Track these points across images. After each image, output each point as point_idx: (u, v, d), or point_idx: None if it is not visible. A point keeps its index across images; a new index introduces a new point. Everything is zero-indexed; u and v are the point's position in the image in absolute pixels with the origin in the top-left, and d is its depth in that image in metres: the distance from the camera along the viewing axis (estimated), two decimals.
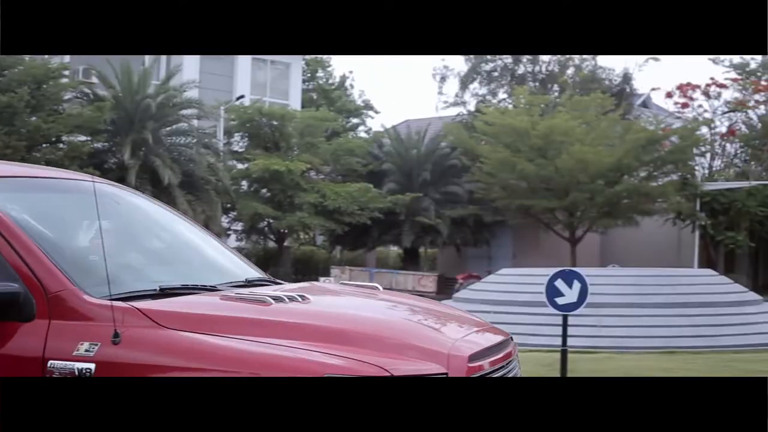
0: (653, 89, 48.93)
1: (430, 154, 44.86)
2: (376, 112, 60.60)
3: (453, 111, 49.63)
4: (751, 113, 46.25)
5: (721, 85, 44.56)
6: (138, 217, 5.51)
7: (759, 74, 47.18)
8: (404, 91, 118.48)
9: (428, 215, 42.19)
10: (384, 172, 44.52)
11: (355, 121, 60.92)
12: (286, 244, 43.87)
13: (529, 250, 44.10)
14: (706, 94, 44.22)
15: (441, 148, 45.23)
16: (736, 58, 46.85)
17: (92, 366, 3.89)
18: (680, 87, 44.01)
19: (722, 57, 46.62)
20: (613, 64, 52.56)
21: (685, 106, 44.46)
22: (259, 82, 46.88)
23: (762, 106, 46.03)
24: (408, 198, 41.43)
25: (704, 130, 43.62)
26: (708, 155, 44.56)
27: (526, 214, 40.99)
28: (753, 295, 20.94)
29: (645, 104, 50.80)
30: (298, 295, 4.50)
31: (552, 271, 12.46)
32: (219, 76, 44.02)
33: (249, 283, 5.12)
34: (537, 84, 47.54)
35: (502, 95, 48.85)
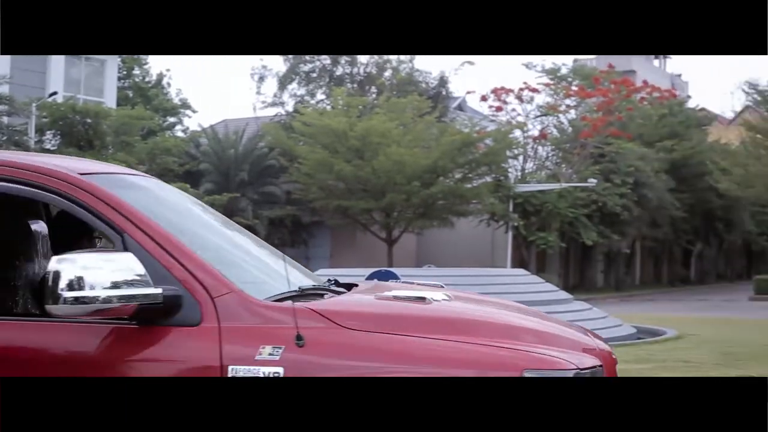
0: (469, 92, 49.99)
1: (248, 154, 44.58)
2: (194, 111, 59.90)
3: (271, 111, 49.47)
4: (562, 117, 47.70)
5: (534, 90, 45.75)
6: (203, 215, 5.20)
7: (570, 79, 48.68)
8: (222, 91, 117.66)
9: (246, 215, 41.85)
10: (201, 172, 43.98)
11: (172, 120, 59.76)
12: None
13: (346, 250, 44.28)
14: (520, 98, 45.33)
15: (259, 148, 45.00)
16: (548, 64, 48.20)
17: (280, 369, 3.74)
18: (495, 91, 44.97)
19: (535, 62, 47.91)
20: (430, 67, 53.38)
21: (499, 109, 45.47)
22: (73, 78, 45.47)
23: (572, 111, 47.51)
24: (225, 198, 40.99)
25: (517, 133, 44.66)
26: (521, 158, 45.66)
27: (343, 214, 41.13)
28: (563, 294, 21.47)
29: (461, 107, 51.67)
30: (446, 294, 4.53)
31: (368, 271, 12.41)
32: (31, 72, 42.49)
33: (338, 283, 4.99)
34: (355, 86, 47.76)
35: (320, 96, 48.90)
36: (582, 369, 3.91)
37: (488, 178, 41.79)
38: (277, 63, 48.82)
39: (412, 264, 41.71)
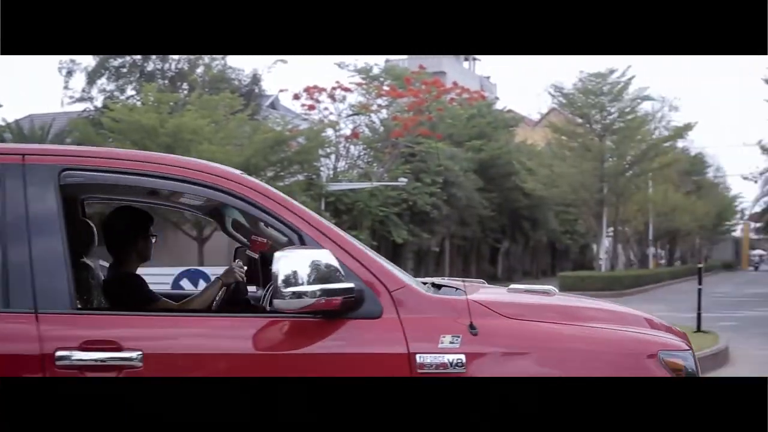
0: (281, 91, 49.81)
1: None
2: None
3: (80, 106, 48.27)
4: (374, 117, 48.13)
5: (347, 89, 45.98)
6: None
7: (382, 79, 49.17)
8: (28, 85, 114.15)
9: None
10: None
11: None
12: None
13: (156, 249, 43.50)
14: (332, 97, 45.47)
15: (66, 144, 43.84)
16: (360, 63, 48.60)
17: (462, 357, 4.11)
18: (307, 89, 44.99)
19: (347, 62, 48.21)
20: (243, 65, 52.89)
21: (311, 108, 45.51)
22: None
23: (384, 110, 48.01)
24: None
25: (330, 132, 44.83)
26: (333, 156, 45.83)
27: (153, 212, 40.39)
28: None
29: (273, 105, 51.56)
30: (551, 288, 5.02)
31: (178, 270, 12.32)
32: None
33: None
34: (166, 82, 47.07)
35: (130, 92, 47.98)
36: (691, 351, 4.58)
37: (300, 177, 41.80)
38: (86, 57, 47.59)
39: (223, 262, 41.39)
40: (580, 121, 51.18)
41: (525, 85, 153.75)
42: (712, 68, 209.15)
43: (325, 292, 3.98)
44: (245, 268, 5.68)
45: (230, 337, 4.15)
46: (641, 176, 53.61)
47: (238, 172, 4.60)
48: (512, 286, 5.08)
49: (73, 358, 3.91)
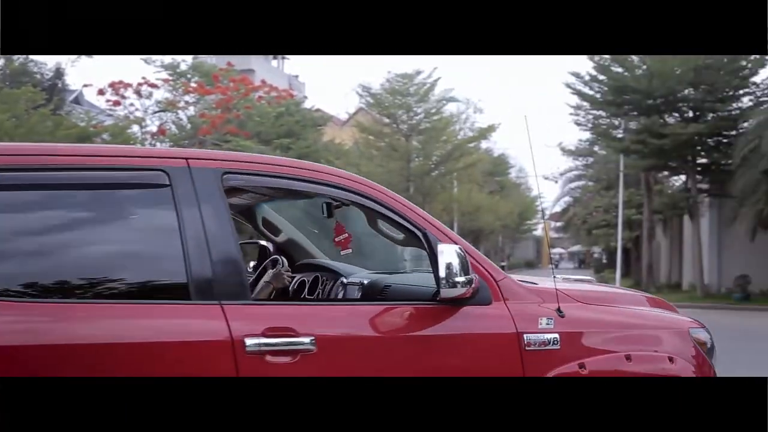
0: (86, 86, 48.55)
1: None
2: None
3: None
4: (181, 113, 47.63)
5: (153, 85, 45.36)
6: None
7: (189, 76, 48.75)
8: None
9: None
10: None
11: None
12: None
13: None
14: (138, 93, 44.78)
15: None
16: (167, 60, 48.03)
17: (557, 336, 4.83)
18: (112, 85, 44.18)
19: (154, 58, 47.59)
20: (45, 59, 51.35)
21: (117, 104, 44.64)
22: None
23: (191, 107, 47.60)
24: None
25: (135, 128, 44.18)
26: None
27: None
28: None
29: (78, 101, 50.47)
30: (591, 278, 6.15)
31: None
32: None
33: None
34: None
35: None
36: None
37: None
38: None
39: None
40: (387, 121, 51.90)
41: (334, 84, 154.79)
42: (515, 71, 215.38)
43: (468, 282, 4.53)
44: (290, 270, 6.65)
45: (380, 322, 4.60)
46: (446, 176, 54.79)
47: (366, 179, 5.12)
48: (563, 276, 5.99)
49: (260, 343, 4.28)
